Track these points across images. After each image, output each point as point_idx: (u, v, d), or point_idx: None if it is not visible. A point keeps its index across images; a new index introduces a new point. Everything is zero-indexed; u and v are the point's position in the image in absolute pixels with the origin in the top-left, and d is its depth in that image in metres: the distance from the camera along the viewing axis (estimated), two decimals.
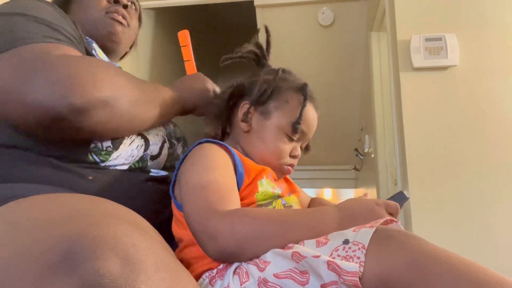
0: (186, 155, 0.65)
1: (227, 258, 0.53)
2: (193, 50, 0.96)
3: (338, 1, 2.24)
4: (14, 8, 0.65)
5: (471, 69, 1.43)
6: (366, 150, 2.38)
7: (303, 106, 0.70)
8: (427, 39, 1.46)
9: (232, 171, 0.63)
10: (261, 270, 0.49)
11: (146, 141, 0.73)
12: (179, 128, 0.89)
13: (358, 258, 0.45)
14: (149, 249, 0.38)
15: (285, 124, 0.70)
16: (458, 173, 1.35)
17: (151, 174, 0.73)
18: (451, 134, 1.39)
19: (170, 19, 2.64)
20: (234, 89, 0.77)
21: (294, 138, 0.71)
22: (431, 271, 0.42)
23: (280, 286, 0.47)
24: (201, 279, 0.56)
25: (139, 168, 0.71)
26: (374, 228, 0.47)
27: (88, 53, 0.73)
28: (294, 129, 0.70)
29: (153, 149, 0.74)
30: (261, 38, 0.87)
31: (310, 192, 0.89)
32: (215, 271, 0.55)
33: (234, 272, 0.52)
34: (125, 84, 0.64)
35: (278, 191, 0.67)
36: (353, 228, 0.50)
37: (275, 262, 0.49)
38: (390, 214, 0.57)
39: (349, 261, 0.45)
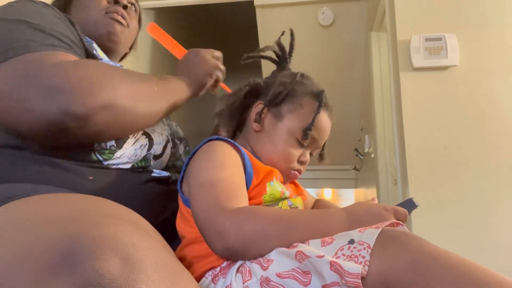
0: (195, 151, 0.65)
1: (233, 255, 0.54)
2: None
3: (338, 1, 2.25)
4: (9, 13, 0.64)
5: (471, 69, 1.43)
6: (366, 150, 2.38)
7: (317, 112, 0.69)
8: (427, 39, 1.46)
9: (241, 170, 0.63)
10: (264, 269, 0.49)
11: (150, 141, 0.73)
12: (180, 129, 0.89)
13: (363, 257, 0.45)
14: (149, 249, 0.38)
15: (297, 128, 0.70)
16: (458, 173, 1.36)
17: (153, 175, 0.73)
18: (451, 134, 1.39)
19: (170, 19, 2.64)
20: (250, 87, 0.76)
21: (304, 143, 0.71)
22: (432, 272, 0.42)
23: (282, 285, 0.47)
24: (203, 278, 0.56)
25: (141, 167, 0.71)
26: (380, 229, 0.47)
27: (89, 53, 0.72)
28: (305, 134, 0.69)
29: (157, 148, 0.74)
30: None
31: (310, 192, 0.88)
32: (218, 269, 0.55)
33: (237, 271, 0.52)
34: (125, 82, 0.63)
35: (287, 193, 0.67)
36: (359, 229, 0.50)
37: (279, 261, 0.49)
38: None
39: (354, 261, 0.45)
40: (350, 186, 3.77)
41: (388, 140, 1.95)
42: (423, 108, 1.42)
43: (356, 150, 2.79)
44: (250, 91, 0.76)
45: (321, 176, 3.69)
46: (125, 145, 0.67)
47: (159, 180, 0.73)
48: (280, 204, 0.65)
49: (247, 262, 0.53)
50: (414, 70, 1.46)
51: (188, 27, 2.88)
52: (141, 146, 0.70)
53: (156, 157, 0.75)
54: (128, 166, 0.69)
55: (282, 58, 0.82)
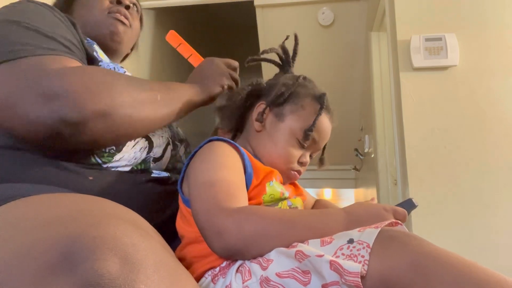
0: (196, 152, 0.65)
1: (233, 255, 0.54)
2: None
3: (338, 1, 2.25)
4: (10, 14, 0.64)
5: (471, 69, 1.43)
6: (366, 150, 2.38)
7: (318, 114, 0.70)
8: (427, 39, 1.46)
9: (241, 170, 0.63)
10: (264, 268, 0.49)
11: (150, 143, 0.72)
12: (181, 130, 0.89)
13: (363, 257, 0.45)
14: (148, 249, 0.38)
15: (298, 128, 0.70)
16: (458, 173, 1.36)
17: (152, 175, 0.73)
18: (451, 134, 1.39)
19: (170, 19, 2.64)
20: (252, 88, 0.77)
21: (305, 144, 0.71)
22: (432, 272, 0.42)
23: (282, 285, 0.47)
24: (203, 278, 0.56)
25: (140, 170, 0.71)
26: (379, 229, 0.47)
27: (90, 55, 0.72)
28: (306, 135, 0.69)
29: (157, 151, 0.74)
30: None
31: (310, 192, 0.88)
32: (217, 269, 0.55)
33: (236, 271, 0.52)
34: (125, 90, 0.62)
35: (286, 194, 0.67)
36: (358, 229, 0.50)
37: (278, 260, 0.49)
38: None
39: (353, 260, 0.45)
40: (350, 186, 3.77)
41: (388, 140, 1.95)
42: (423, 108, 1.42)
43: (356, 150, 2.79)
44: (252, 91, 0.77)
45: (321, 176, 3.69)
46: (124, 148, 0.67)
47: (159, 180, 0.73)
48: (279, 204, 0.65)
49: (246, 262, 0.53)
50: (414, 70, 1.46)
51: (188, 27, 2.88)
52: (140, 149, 0.70)
53: (156, 160, 0.75)
54: (127, 169, 0.68)
55: (285, 62, 0.82)
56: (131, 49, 0.99)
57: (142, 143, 0.70)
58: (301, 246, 0.49)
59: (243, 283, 0.50)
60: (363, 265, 0.44)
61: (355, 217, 0.55)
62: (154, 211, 0.68)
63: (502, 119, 1.38)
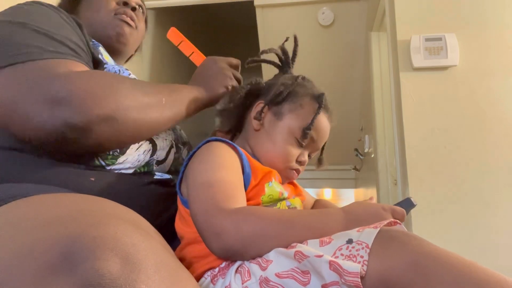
0: (194, 152, 0.66)
1: (231, 256, 0.54)
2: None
3: (338, 1, 2.25)
4: (15, 16, 0.64)
5: (471, 69, 1.43)
6: (366, 150, 2.38)
7: (317, 113, 0.70)
8: (427, 39, 1.46)
9: (239, 171, 0.63)
10: (263, 269, 0.49)
11: (154, 146, 0.72)
12: (184, 133, 0.89)
13: (362, 257, 0.45)
14: (149, 249, 0.38)
15: (296, 127, 0.70)
16: (458, 173, 1.36)
17: (154, 177, 0.73)
18: (451, 134, 1.39)
19: (170, 19, 2.64)
20: (251, 87, 0.77)
21: (303, 143, 0.71)
22: (432, 271, 0.42)
23: (282, 285, 0.47)
24: (202, 278, 0.56)
25: (143, 172, 0.71)
26: (378, 229, 0.47)
27: (95, 57, 0.72)
28: (304, 134, 0.69)
29: (160, 154, 0.74)
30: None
31: (310, 192, 0.88)
32: (217, 269, 0.55)
33: (236, 271, 0.52)
34: (131, 94, 0.62)
35: (285, 194, 0.67)
36: (357, 229, 0.50)
37: (278, 261, 0.49)
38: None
39: (353, 260, 0.45)
40: (350, 186, 3.77)
41: (388, 140, 1.95)
42: (423, 108, 1.42)
43: (356, 150, 2.79)
44: (251, 91, 0.77)
45: (321, 176, 3.69)
46: (128, 151, 0.67)
47: (161, 182, 0.73)
48: (278, 204, 0.65)
49: (246, 262, 0.53)
50: (414, 70, 1.46)
51: (188, 27, 2.88)
52: (144, 151, 0.70)
53: (159, 163, 0.75)
54: (131, 171, 0.68)
55: (285, 63, 0.82)
56: (135, 51, 0.99)
57: (146, 145, 0.70)
58: (300, 247, 0.49)
59: (242, 283, 0.50)
60: (362, 265, 0.44)
61: (354, 217, 0.56)
62: (156, 213, 0.69)
63: (502, 119, 1.38)
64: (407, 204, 0.62)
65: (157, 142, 0.73)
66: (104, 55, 0.76)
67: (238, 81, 0.85)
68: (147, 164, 0.71)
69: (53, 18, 0.67)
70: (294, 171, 0.72)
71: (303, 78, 0.77)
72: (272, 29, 2.36)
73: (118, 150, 0.65)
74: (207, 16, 3.08)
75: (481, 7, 1.47)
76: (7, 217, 0.44)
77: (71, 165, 0.61)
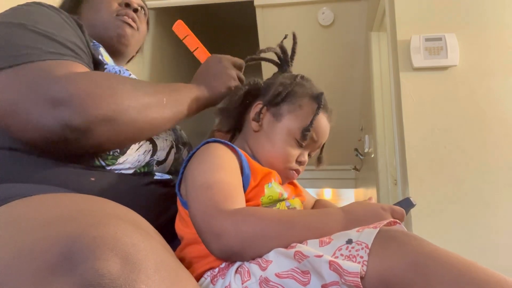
0: (193, 154, 0.65)
1: (231, 256, 0.54)
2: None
3: (338, 1, 2.25)
4: (16, 16, 0.64)
5: (471, 69, 1.43)
6: (366, 150, 2.38)
7: (316, 114, 0.70)
8: (427, 39, 1.46)
9: (238, 172, 0.63)
10: (263, 269, 0.49)
11: (154, 147, 0.72)
12: (184, 133, 0.89)
13: (362, 257, 0.45)
14: (149, 249, 0.38)
15: (295, 128, 0.70)
16: (458, 173, 1.35)
17: (155, 177, 0.73)
18: (451, 134, 1.39)
19: (170, 19, 2.64)
20: (250, 87, 0.76)
21: (303, 144, 0.71)
22: (432, 271, 0.42)
23: (282, 285, 0.47)
24: (202, 278, 0.56)
25: (143, 172, 0.71)
26: (378, 229, 0.47)
27: (95, 58, 0.72)
28: (303, 135, 0.69)
29: (160, 154, 0.74)
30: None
31: (310, 192, 0.88)
32: (216, 270, 0.55)
33: (236, 271, 0.52)
34: (131, 94, 0.62)
35: (285, 195, 0.67)
36: (356, 229, 0.50)
37: (277, 261, 0.49)
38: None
39: (352, 261, 0.45)
40: (350, 186, 3.77)
41: (388, 140, 1.95)
42: (423, 108, 1.42)
43: (356, 150, 2.79)
44: (250, 91, 0.76)
45: (321, 176, 3.69)
46: (128, 151, 0.67)
47: (161, 182, 0.73)
48: (278, 205, 0.65)
49: (245, 262, 0.53)
50: (414, 70, 1.46)
51: (188, 27, 2.88)
52: (144, 152, 0.70)
53: (159, 163, 0.75)
54: (131, 171, 0.68)
55: (284, 61, 0.82)
56: (137, 52, 0.99)
57: (146, 146, 0.70)
58: (300, 247, 0.49)
59: (242, 283, 0.50)
60: (362, 266, 0.44)
61: (353, 217, 0.56)
62: (156, 213, 0.69)
63: (502, 119, 1.38)
64: (407, 204, 0.62)
65: (157, 142, 0.73)
66: (105, 56, 0.76)
67: (241, 82, 0.84)
68: (147, 164, 0.71)
69: (54, 19, 0.67)
70: (294, 172, 0.72)
71: (302, 77, 0.77)
72: (272, 29, 2.36)
73: (118, 151, 0.65)
74: (207, 16, 3.08)
75: (481, 7, 1.47)
76: (7, 217, 0.44)
77: (71, 165, 0.61)
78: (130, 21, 0.87)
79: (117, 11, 0.86)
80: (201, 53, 0.90)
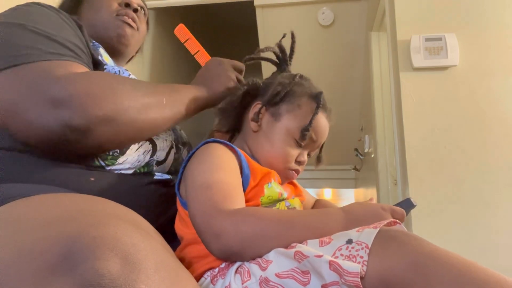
0: (192, 154, 0.65)
1: (231, 257, 0.54)
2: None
3: (338, 1, 2.25)
4: (15, 17, 0.64)
5: (471, 69, 1.43)
6: (366, 150, 2.38)
7: (315, 113, 0.70)
8: (427, 39, 1.46)
9: (238, 172, 0.63)
10: (263, 269, 0.49)
11: (154, 147, 0.72)
12: (184, 133, 0.89)
13: (362, 257, 0.45)
14: (149, 249, 0.38)
15: (295, 128, 0.70)
16: (458, 173, 1.35)
17: (154, 177, 0.73)
18: (451, 134, 1.39)
19: (170, 19, 2.64)
20: (248, 87, 0.76)
21: (302, 143, 0.71)
22: (432, 271, 0.42)
23: (282, 285, 0.47)
24: (202, 278, 0.56)
25: (143, 173, 0.71)
26: (378, 229, 0.47)
27: (94, 58, 0.72)
28: (303, 135, 0.69)
29: (160, 154, 0.74)
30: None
31: (310, 192, 0.88)
32: (216, 270, 0.55)
33: (236, 271, 0.52)
34: (131, 95, 0.62)
35: (285, 195, 0.67)
36: (356, 229, 0.50)
37: (277, 261, 0.49)
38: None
39: (352, 261, 0.45)
40: (350, 186, 3.77)
41: (388, 140, 1.95)
42: (423, 108, 1.42)
43: (356, 150, 2.79)
44: (249, 91, 0.76)
45: (321, 176, 3.69)
46: (128, 151, 0.67)
47: (161, 182, 0.73)
48: (277, 205, 0.65)
49: (245, 262, 0.53)
50: (414, 70, 1.46)
51: (188, 27, 2.88)
52: (144, 152, 0.70)
53: (159, 163, 0.75)
54: (131, 171, 0.68)
55: (282, 60, 0.82)
56: (136, 52, 0.99)
57: (146, 146, 0.70)
58: (300, 247, 0.49)
59: (242, 283, 0.50)
60: (362, 266, 0.44)
61: (353, 217, 0.55)
62: (156, 213, 0.69)
63: (502, 119, 1.38)
64: (407, 204, 0.62)
65: (157, 142, 0.73)
66: (104, 56, 0.76)
67: (240, 84, 0.84)
68: (147, 164, 0.71)
69: (53, 19, 0.67)
70: (294, 172, 0.72)
71: (301, 76, 0.77)
72: (272, 29, 2.36)
73: (118, 151, 0.65)
74: (207, 16, 3.08)
75: (481, 7, 1.47)
76: (7, 217, 0.44)
77: (71, 165, 0.61)
78: (130, 21, 0.87)
79: (117, 11, 0.86)
80: (202, 56, 0.90)
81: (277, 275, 0.48)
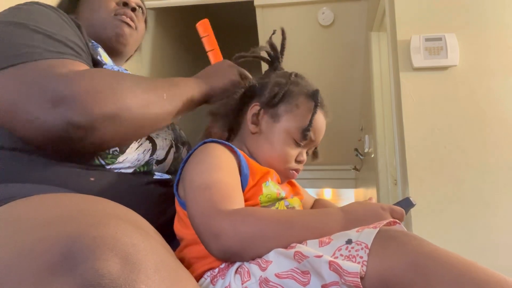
0: (191, 154, 0.65)
1: (230, 257, 0.53)
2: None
3: (338, 1, 2.24)
4: (16, 16, 0.64)
5: (471, 69, 1.43)
6: (366, 150, 2.38)
7: (314, 113, 0.70)
8: (427, 39, 1.46)
9: (236, 172, 0.63)
10: (263, 269, 0.49)
11: (154, 146, 0.72)
12: (183, 132, 0.89)
13: (361, 257, 0.45)
14: (149, 249, 0.38)
15: (294, 128, 0.70)
16: (458, 173, 1.35)
17: (154, 177, 0.73)
18: (451, 134, 1.39)
19: (170, 19, 2.64)
20: (246, 89, 0.76)
21: (302, 143, 0.71)
22: (432, 271, 0.42)
23: (281, 286, 0.47)
24: (202, 279, 0.56)
25: (143, 172, 0.71)
26: (378, 229, 0.47)
27: (93, 58, 0.72)
28: (303, 135, 0.69)
29: (160, 153, 0.74)
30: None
31: (310, 192, 0.88)
32: (216, 270, 0.55)
33: (235, 271, 0.52)
34: (133, 91, 0.62)
35: (283, 194, 0.67)
36: (356, 229, 0.50)
37: (277, 261, 0.49)
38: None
39: (352, 261, 0.45)
40: (350, 186, 3.77)
41: (388, 140, 1.95)
42: (423, 108, 1.42)
43: (356, 150, 2.79)
44: (246, 92, 0.76)
45: (321, 176, 3.69)
46: (128, 150, 0.67)
47: (160, 182, 0.73)
48: (277, 204, 0.65)
49: (245, 263, 0.53)
50: (414, 70, 1.46)
51: (188, 27, 2.88)
52: (144, 151, 0.70)
53: (159, 162, 0.75)
54: (130, 170, 0.68)
55: (274, 58, 0.82)
56: (135, 51, 0.99)
57: (145, 145, 0.70)
58: (300, 247, 0.49)
59: (242, 284, 0.50)
60: (361, 266, 0.44)
61: (353, 217, 0.55)
62: (156, 213, 0.69)
63: (502, 119, 1.38)
64: (406, 203, 0.62)
65: (156, 141, 0.73)
66: (103, 56, 0.76)
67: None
68: (147, 163, 0.71)
69: (53, 19, 0.67)
70: (294, 171, 0.72)
71: (296, 75, 0.77)
72: (272, 29, 2.35)
73: (118, 150, 0.65)
74: (207, 16, 3.08)
75: (481, 7, 1.47)
76: (7, 217, 0.44)
77: (71, 165, 0.61)
78: (128, 20, 0.87)
79: (115, 10, 0.86)
80: (215, 55, 0.91)
81: (277, 275, 0.48)
